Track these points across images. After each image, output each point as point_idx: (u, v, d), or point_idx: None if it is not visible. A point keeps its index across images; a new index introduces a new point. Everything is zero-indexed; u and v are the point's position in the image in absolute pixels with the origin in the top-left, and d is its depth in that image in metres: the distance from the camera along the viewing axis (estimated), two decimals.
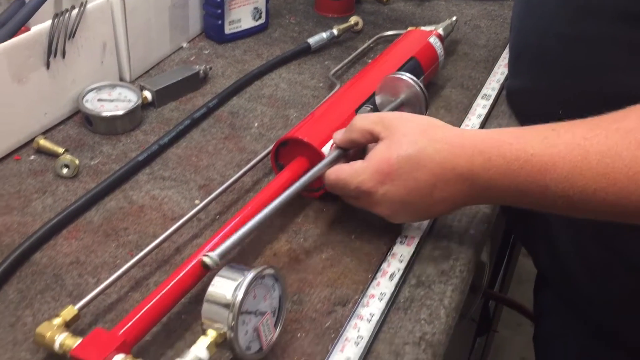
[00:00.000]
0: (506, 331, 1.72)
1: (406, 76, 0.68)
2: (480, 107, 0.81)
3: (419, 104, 0.68)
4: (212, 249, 0.50)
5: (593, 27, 0.58)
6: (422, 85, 0.67)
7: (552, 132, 0.49)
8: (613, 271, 0.69)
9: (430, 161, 0.52)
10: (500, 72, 0.88)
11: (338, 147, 0.61)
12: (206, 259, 0.49)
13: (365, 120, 0.58)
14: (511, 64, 0.76)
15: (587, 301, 0.73)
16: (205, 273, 0.52)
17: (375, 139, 0.57)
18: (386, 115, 0.57)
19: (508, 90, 0.82)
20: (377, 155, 0.55)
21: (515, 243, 1.36)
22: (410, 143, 0.53)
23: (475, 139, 0.52)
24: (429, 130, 0.54)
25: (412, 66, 0.77)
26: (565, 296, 0.78)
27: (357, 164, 0.56)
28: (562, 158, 0.47)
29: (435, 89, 0.85)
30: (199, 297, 0.54)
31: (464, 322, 1.00)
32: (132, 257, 0.55)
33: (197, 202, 0.64)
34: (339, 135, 0.60)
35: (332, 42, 0.93)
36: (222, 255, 0.50)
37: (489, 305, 1.37)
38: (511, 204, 0.53)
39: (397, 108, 0.68)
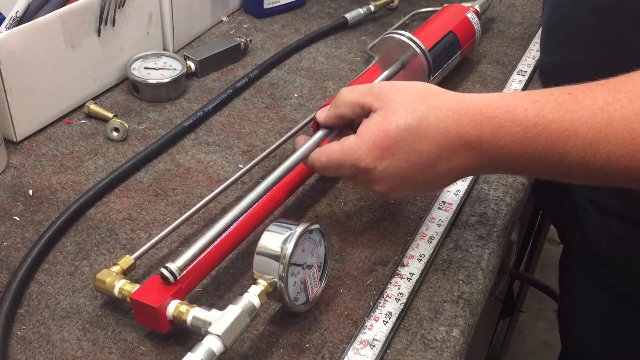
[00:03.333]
0: (529, 316, 1.73)
1: (403, 36, 0.58)
2: (516, 82, 0.82)
3: (421, 69, 0.58)
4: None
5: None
6: (422, 46, 0.58)
7: (569, 97, 0.46)
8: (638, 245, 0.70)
9: (433, 130, 0.47)
10: (535, 49, 0.89)
11: (323, 126, 0.54)
12: (164, 272, 0.46)
13: (352, 93, 0.52)
14: (543, 40, 0.77)
15: (613, 273, 0.75)
16: (261, 223, 0.54)
17: (366, 112, 0.51)
18: (376, 85, 0.52)
19: (540, 67, 0.83)
20: (372, 127, 0.49)
21: (542, 225, 1.37)
22: (408, 112, 0.48)
23: (479, 103, 0.48)
24: (427, 96, 0.49)
25: (450, 41, 0.78)
26: (590, 268, 0.79)
27: (349, 140, 0.50)
28: (584, 124, 0.44)
29: (471, 64, 0.86)
30: (245, 253, 0.56)
31: (490, 300, 1.01)
32: (181, 215, 0.57)
33: (240, 166, 0.67)
34: (323, 113, 0.55)
35: (369, 17, 0.95)
36: (182, 268, 0.47)
37: (514, 286, 1.38)
38: (519, 173, 0.50)
39: (395, 74, 0.58)
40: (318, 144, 0.52)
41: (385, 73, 0.56)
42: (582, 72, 0.51)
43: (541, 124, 0.45)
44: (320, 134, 0.53)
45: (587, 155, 0.44)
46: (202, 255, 0.51)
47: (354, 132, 0.51)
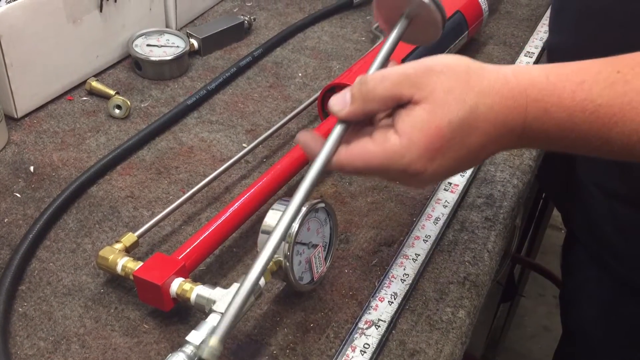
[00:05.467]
0: (529, 301, 1.74)
1: None
2: (524, 64, 0.80)
3: (432, 20, 0.47)
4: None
5: None
6: None
7: (619, 76, 0.43)
8: None
9: (483, 121, 0.43)
10: (543, 30, 0.88)
11: (343, 120, 0.45)
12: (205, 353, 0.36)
13: (384, 84, 0.43)
14: (552, 19, 0.75)
15: (616, 257, 0.74)
16: (265, 202, 0.53)
17: (402, 104, 0.43)
18: (410, 70, 0.43)
19: (549, 48, 0.81)
20: (420, 126, 0.42)
21: (544, 210, 1.36)
22: (458, 103, 0.42)
23: (523, 83, 0.44)
24: (471, 79, 0.44)
25: (457, 20, 0.77)
26: (593, 253, 0.79)
27: (393, 143, 0.42)
28: (634, 109, 0.41)
29: (477, 45, 0.84)
30: (249, 232, 0.56)
31: (491, 285, 1.01)
32: (184, 193, 0.57)
33: (244, 145, 0.66)
34: (342, 106, 0.44)
35: None
36: (223, 340, 0.36)
37: (514, 271, 1.38)
38: (557, 150, 0.50)
39: (402, 33, 0.48)
40: (339, 142, 0.44)
41: (393, 35, 0.47)
42: (592, 52, 0.50)
43: (589, 109, 0.42)
44: (339, 130, 0.44)
45: (631, 142, 0.42)
46: (206, 234, 0.50)
47: (372, 123, 0.45)
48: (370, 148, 0.43)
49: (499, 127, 0.44)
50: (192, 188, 0.57)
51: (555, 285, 1.32)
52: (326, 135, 0.60)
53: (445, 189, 0.61)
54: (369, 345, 0.47)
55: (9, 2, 0.65)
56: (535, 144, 0.46)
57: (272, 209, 0.49)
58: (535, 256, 1.53)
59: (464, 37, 0.78)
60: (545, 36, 0.86)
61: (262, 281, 0.46)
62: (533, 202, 1.25)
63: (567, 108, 0.42)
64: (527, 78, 0.44)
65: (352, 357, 0.46)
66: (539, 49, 0.84)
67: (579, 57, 0.52)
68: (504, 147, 0.46)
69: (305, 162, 0.61)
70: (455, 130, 0.42)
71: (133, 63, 0.74)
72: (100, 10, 0.70)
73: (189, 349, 0.40)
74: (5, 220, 0.55)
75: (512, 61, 0.81)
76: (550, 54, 0.81)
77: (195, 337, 0.41)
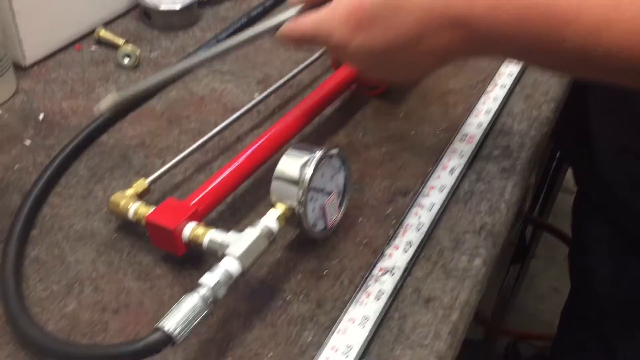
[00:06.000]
0: (539, 263, 1.73)
1: None
2: None
3: None
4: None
5: None
6: None
7: None
8: None
9: (413, 5, 0.42)
10: None
11: (295, 3, 0.50)
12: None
13: None
14: None
15: (627, 214, 0.73)
16: (278, 150, 0.53)
17: None
18: None
19: None
20: None
21: (558, 171, 1.35)
22: None
23: None
24: None
25: None
26: (604, 210, 0.78)
27: (322, 12, 0.47)
28: (590, 8, 0.39)
29: None
30: (262, 181, 0.55)
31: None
32: (195, 142, 0.56)
33: (256, 95, 0.65)
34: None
35: None
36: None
37: (526, 232, 1.37)
38: (510, 57, 0.46)
39: None
40: (289, 19, 0.49)
41: None
42: None
43: (542, 4, 0.39)
44: (293, 11, 0.50)
45: (585, 44, 0.39)
46: (218, 180, 0.49)
47: None
48: (306, 17, 0.48)
49: (438, 16, 0.42)
50: (203, 137, 0.56)
51: (567, 247, 1.32)
52: (340, 84, 0.59)
53: (461, 140, 0.60)
54: (384, 292, 0.46)
55: None
56: (489, 47, 0.43)
57: (286, 155, 0.48)
58: (547, 218, 1.52)
59: None
60: None
61: (275, 226, 0.45)
62: (546, 163, 1.23)
63: (519, 3, 0.40)
64: None
65: (367, 302, 0.45)
66: None
67: None
68: (457, 44, 0.43)
69: (318, 111, 0.60)
70: (378, 7, 0.43)
71: (142, 12, 0.73)
72: None
73: (202, 291, 0.40)
74: (16, 167, 0.55)
75: None
76: None
77: (209, 279, 0.40)
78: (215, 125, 0.60)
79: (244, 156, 0.51)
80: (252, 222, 0.46)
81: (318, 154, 0.47)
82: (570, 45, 0.39)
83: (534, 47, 0.41)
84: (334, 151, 0.49)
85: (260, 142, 0.53)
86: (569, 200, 0.89)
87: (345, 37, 0.45)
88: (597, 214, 0.80)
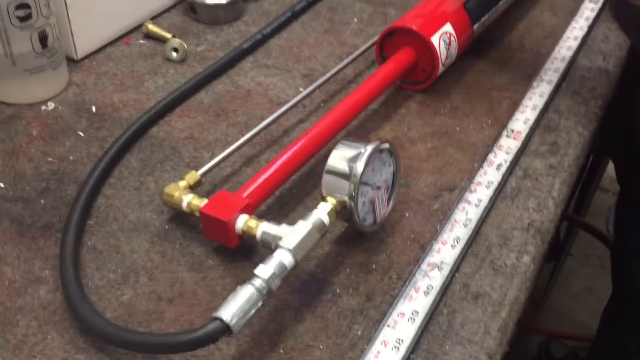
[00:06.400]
0: (573, 262, 1.71)
1: None
2: (589, 10, 0.77)
3: None
4: None
5: None
6: None
7: None
8: None
9: None
10: None
11: None
12: None
13: None
14: None
15: None
16: (324, 145, 0.54)
17: None
18: None
19: None
20: None
21: (596, 169, 1.33)
22: None
23: None
24: None
25: None
26: None
27: None
28: None
29: None
30: (310, 175, 0.56)
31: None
32: (243, 135, 0.56)
33: (301, 89, 0.65)
34: None
35: None
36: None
37: (560, 229, 1.35)
38: None
39: None
40: None
41: None
42: None
43: None
44: None
45: None
46: (268, 173, 0.50)
47: None
48: None
49: None
50: (251, 131, 0.57)
51: (604, 245, 1.30)
52: (384, 78, 0.59)
53: (507, 136, 0.60)
54: (432, 287, 0.46)
55: None
56: None
57: (337, 148, 0.48)
58: (583, 216, 1.50)
59: None
60: None
61: (327, 219, 0.46)
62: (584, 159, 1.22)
63: None
64: None
65: (416, 297, 0.46)
66: None
67: None
68: None
69: (364, 105, 0.60)
70: None
71: (188, 7, 0.74)
72: None
73: (257, 282, 0.40)
74: (71, 157, 0.56)
75: (577, 7, 0.78)
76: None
77: (263, 271, 0.41)
78: (262, 119, 0.60)
79: (293, 149, 0.52)
80: (300, 216, 0.46)
81: (369, 148, 0.47)
82: None
83: None
84: (385, 145, 0.49)
85: (308, 136, 0.54)
86: (605, 199, 0.88)
87: None
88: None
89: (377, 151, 0.48)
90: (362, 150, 0.47)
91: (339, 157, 0.47)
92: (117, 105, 0.62)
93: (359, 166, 0.46)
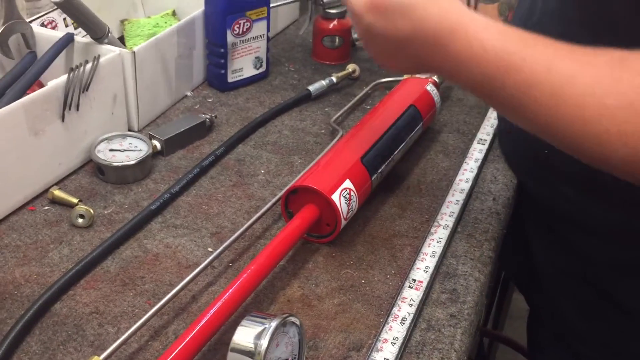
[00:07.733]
0: None
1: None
2: (477, 151, 0.84)
3: None
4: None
5: None
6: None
7: (527, 38, 0.50)
8: (603, 312, 0.72)
9: (415, 11, 0.53)
10: (493, 116, 0.92)
11: None
12: None
13: None
14: None
15: (580, 339, 0.76)
16: (233, 312, 0.54)
17: None
18: None
19: (499, 135, 0.86)
20: None
21: (508, 280, 1.39)
22: None
23: (464, 20, 0.52)
24: None
25: (412, 114, 0.81)
26: (557, 333, 0.81)
27: None
28: (522, 67, 0.48)
29: (433, 134, 0.88)
30: (217, 345, 0.55)
31: None
32: (150, 305, 0.56)
33: (209, 249, 0.66)
34: None
35: (331, 89, 0.97)
36: None
37: (483, 342, 1.38)
38: (473, 90, 0.54)
39: None
40: None
41: None
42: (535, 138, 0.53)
43: (490, 49, 0.50)
44: None
45: (522, 95, 0.49)
46: (177, 350, 0.50)
47: None
48: None
49: (426, 28, 0.53)
50: (159, 299, 0.57)
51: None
52: (291, 234, 0.61)
53: (410, 286, 0.63)
54: None
55: None
56: (444, 64, 0.54)
57: (241, 325, 0.49)
58: (503, 324, 1.54)
59: (419, 128, 0.81)
60: (495, 122, 0.90)
61: None
62: (497, 272, 1.27)
63: (474, 38, 0.51)
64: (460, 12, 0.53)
65: None
66: (491, 135, 0.87)
67: (529, 140, 0.55)
68: (420, 51, 0.55)
69: (272, 267, 0.61)
70: (396, 4, 0.54)
71: (96, 168, 0.75)
72: (62, 120, 0.71)
73: None
74: None
75: (466, 149, 0.84)
76: (500, 140, 0.85)
77: None
78: (170, 284, 0.61)
79: (202, 322, 0.52)
80: None
81: (273, 325, 0.48)
82: (509, 92, 0.49)
83: (483, 82, 0.51)
84: (289, 319, 0.50)
85: (213, 309, 0.54)
86: (522, 301, 0.92)
87: (361, 12, 0.56)
88: (550, 335, 0.83)
89: (280, 326, 0.49)
90: (267, 326, 0.48)
91: (244, 334, 0.48)
92: (19, 281, 0.61)
93: (263, 343, 0.47)
